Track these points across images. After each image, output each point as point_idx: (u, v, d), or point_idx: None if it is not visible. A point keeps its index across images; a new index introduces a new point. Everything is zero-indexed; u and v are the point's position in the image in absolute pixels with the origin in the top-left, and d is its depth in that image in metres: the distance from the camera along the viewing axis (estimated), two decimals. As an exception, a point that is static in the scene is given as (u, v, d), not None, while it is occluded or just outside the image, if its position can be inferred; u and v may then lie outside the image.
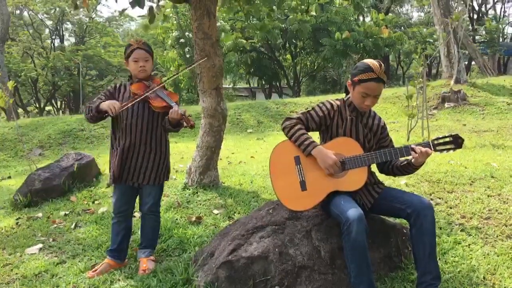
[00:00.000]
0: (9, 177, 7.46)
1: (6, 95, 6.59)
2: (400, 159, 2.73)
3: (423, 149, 2.57)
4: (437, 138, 2.62)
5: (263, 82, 25.33)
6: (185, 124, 3.09)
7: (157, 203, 3.32)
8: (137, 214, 3.86)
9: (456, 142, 2.60)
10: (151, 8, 5.04)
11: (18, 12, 29.44)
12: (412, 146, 2.61)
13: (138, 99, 3.06)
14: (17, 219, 4.47)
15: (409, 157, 2.67)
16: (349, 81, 2.75)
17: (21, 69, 26.38)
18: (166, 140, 3.30)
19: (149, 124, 3.16)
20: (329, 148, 2.66)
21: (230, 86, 28.59)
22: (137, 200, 3.37)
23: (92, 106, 3.02)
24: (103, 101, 3.03)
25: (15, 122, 10.01)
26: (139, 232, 3.41)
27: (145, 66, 3.17)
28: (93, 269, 3.16)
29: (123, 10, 5.24)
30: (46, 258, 3.50)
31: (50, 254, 3.57)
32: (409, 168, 2.74)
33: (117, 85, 3.29)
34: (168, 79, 3.34)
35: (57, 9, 29.29)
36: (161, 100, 3.10)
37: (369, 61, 2.66)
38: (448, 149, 2.60)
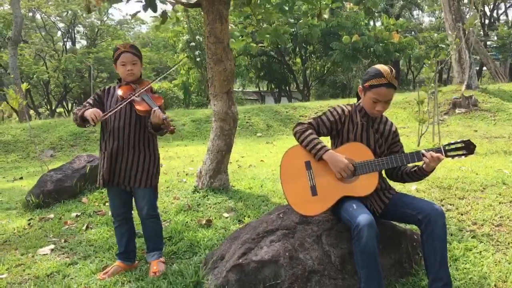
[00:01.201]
0: (21, 178, 7.55)
1: (19, 97, 6.67)
2: (410, 165, 2.72)
3: (435, 155, 2.56)
4: (449, 144, 2.62)
5: (273, 86, 25.40)
6: (165, 129, 3.04)
7: (154, 206, 3.28)
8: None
9: (468, 148, 2.59)
10: (164, 12, 5.08)
11: (30, 14, 29.83)
12: (423, 151, 2.60)
13: (121, 105, 3.04)
14: (29, 219, 4.52)
15: (420, 163, 2.67)
16: (360, 86, 2.76)
17: (33, 71, 26.66)
18: (154, 142, 3.27)
19: (137, 127, 3.13)
20: (340, 152, 2.66)
21: (240, 89, 28.67)
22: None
23: (78, 114, 3.02)
24: (88, 109, 3.01)
25: (28, 124, 10.12)
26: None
27: (133, 69, 3.16)
28: (104, 271, 3.18)
29: (136, 13, 5.28)
30: (58, 259, 3.53)
31: (62, 255, 3.60)
32: (419, 174, 2.73)
33: (106, 88, 3.27)
34: (151, 82, 3.32)
35: (69, 12, 29.61)
36: (145, 104, 3.07)
37: (379, 66, 2.67)
38: (460, 155, 2.60)
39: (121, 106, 3.05)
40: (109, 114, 3.04)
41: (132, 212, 3.36)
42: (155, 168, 3.23)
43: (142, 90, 3.12)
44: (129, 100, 3.05)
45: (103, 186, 3.17)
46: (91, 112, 2.94)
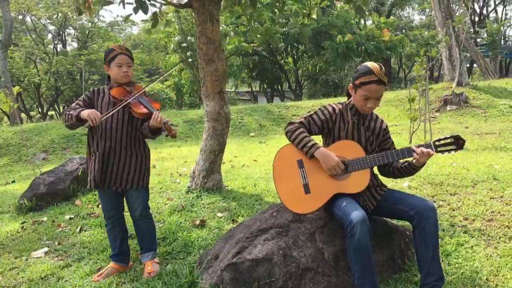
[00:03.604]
0: (13, 182, 7.51)
1: (10, 100, 6.63)
2: (401, 160, 2.75)
3: (425, 150, 2.59)
4: (439, 139, 2.65)
5: (265, 86, 25.39)
6: (166, 133, 3.05)
7: (146, 206, 3.28)
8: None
9: (458, 143, 2.62)
10: (154, 13, 5.07)
11: (20, 17, 29.64)
12: (414, 147, 2.63)
13: (119, 107, 3.03)
14: (22, 223, 4.51)
15: (410, 159, 2.70)
16: (351, 84, 2.78)
17: (24, 74, 26.52)
18: (145, 144, 3.27)
19: (129, 128, 3.13)
20: (332, 151, 2.68)
21: (232, 90, 28.66)
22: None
23: (72, 114, 2.97)
24: (83, 109, 2.98)
25: (19, 127, 10.07)
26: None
27: (128, 71, 3.15)
28: (99, 273, 3.18)
29: (128, 16, 5.27)
30: (52, 261, 3.52)
31: (55, 258, 3.60)
32: (410, 169, 2.75)
33: (95, 90, 3.24)
34: (146, 86, 3.33)
35: (60, 14, 29.45)
36: (143, 107, 3.07)
37: (369, 63, 2.70)
38: (449, 150, 2.62)
39: (119, 107, 3.04)
40: (108, 115, 3.03)
41: (124, 213, 3.35)
42: (146, 169, 3.23)
43: (139, 93, 3.13)
44: (128, 101, 3.04)
45: (95, 188, 3.13)
46: (89, 113, 2.92)
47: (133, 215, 3.26)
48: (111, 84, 3.21)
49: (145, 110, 3.05)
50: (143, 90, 3.18)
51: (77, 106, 3.08)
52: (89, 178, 3.15)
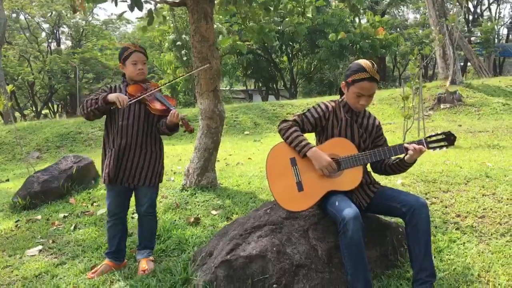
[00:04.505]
0: (7, 180, 7.48)
1: (4, 99, 6.61)
2: (393, 157, 2.77)
3: (417, 147, 2.61)
4: (430, 136, 2.67)
5: (260, 84, 25.42)
6: (184, 128, 3.11)
7: (154, 204, 3.32)
8: (134, 215, 3.89)
9: (449, 139, 2.65)
10: (150, 11, 5.07)
11: (14, 15, 29.45)
12: (406, 145, 2.65)
13: (144, 95, 3.07)
14: (16, 221, 4.50)
15: (402, 155, 2.72)
16: (343, 82, 2.80)
17: (18, 72, 26.39)
18: (161, 141, 3.31)
19: (145, 126, 3.17)
20: (325, 148, 2.70)
21: (227, 88, 28.64)
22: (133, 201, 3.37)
23: (99, 98, 2.98)
24: (108, 92, 3.03)
25: (13, 126, 10.03)
26: (137, 233, 3.43)
27: (143, 68, 3.20)
28: (93, 270, 3.18)
29: (122, 13, 5.27)
30: (46, 259, 3.52)
31: (50, 256, 3.60)
32: (402, 166, 2.77)
33: (113, 87, 3.26)
34: (166, 83, 3.37)
35: (54, 12, 29.31)
36: (160, 103, 3.11)
37: (361, 61, 2.72)
38: (441, 146, 2.65)
39: (144, 96, 3.07)
40: (134, 100, 3.05)
41: (127, 211, 3.38)
42: (160, 167, 3.27)
43: (156, 90, 3.17)
44: (150, 93, 3.09)
45: (108, 183, 3.15)
46: (117, 95, 2.96)
47: (139, 210, 3.29)
48: (127, 82, 3.25)
49: (162, 107, 3.09)
50: (159, 88, 3.23)
51: (98, 94, 3.09)
52: (103, 174, 3.18)
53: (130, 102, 3.04)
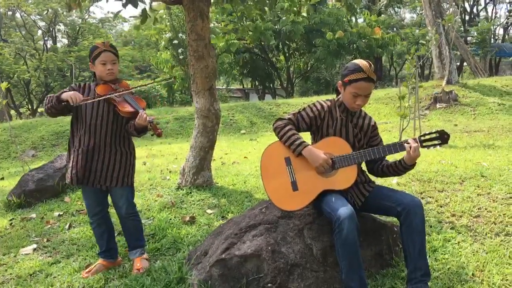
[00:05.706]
0: (2, 179, 7.45)
1: (-1, 96, 6.58)
2: (389, 157, 2.77)
3: (413, 143, 2.61)
4: (424, 134, 2.67)
5: (257, 83, 25.39)
6: (152, 132, 3.01)
7: (132, 204, 3.24)
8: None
9: (442, 137, 2.64)
10: (144, 10, 5.06)
11: (10, 13, 29.34)
12: (399, 143, 2.65)
13: (103, 98, 3.00)
14: (10, 219, 4.48)
15: (396, 154, 2.71)
16: (340, 81, 2.80)
17: (13, 70, 26.27)
18: (130, 141, 3.24)
19: (114, 126, 3.10)
20: (319, 148, 2.70)
21: (224, 87, 28.62)
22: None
23: (53, 95, 2.96)
24: (65, 91, 2.98)
25: (8, 124, 9.99)
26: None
27: (113, 68, 3.12)
28: (87, 269, 3.17)
29: (118, 12, 5.26)
30: (41, 258, 3.51)
31: (44, 254, 3.58)
32: (400, 168, 2.76)
33: (82, 85, 3.20)
34: (136, 87, 3.30)
35: (50, 10, 29.20)
36: (129, 105, 3.03)
37: (358, 61, 2.71)
38: (434, 145, 2.65)
39: (102, 98, 3.00)
40: (89, 100, 2.99)
41: (108, 210, 3.33)
42: (131, 167, 3.21)
43: (126, 92, 3.09)
44: (111, 95, 3.01)
45: (76, 184, 3.08)
46: (71, 93, 2.91)
47: (119, 213, 3.23)
48: (97, 81, 3.19)
49: (131, 109, 3.01)
50: (130, 91, 3.14)
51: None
52: (69, 174, 3.08)
53: (94, 101, 2.99)
